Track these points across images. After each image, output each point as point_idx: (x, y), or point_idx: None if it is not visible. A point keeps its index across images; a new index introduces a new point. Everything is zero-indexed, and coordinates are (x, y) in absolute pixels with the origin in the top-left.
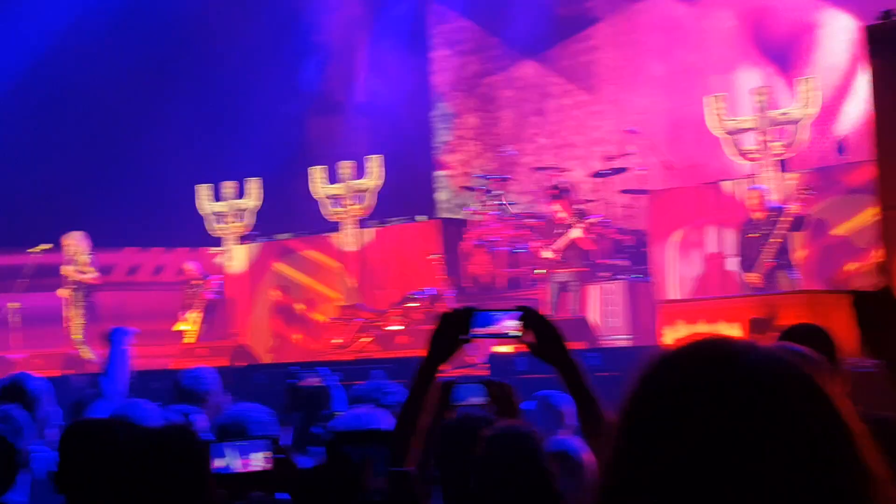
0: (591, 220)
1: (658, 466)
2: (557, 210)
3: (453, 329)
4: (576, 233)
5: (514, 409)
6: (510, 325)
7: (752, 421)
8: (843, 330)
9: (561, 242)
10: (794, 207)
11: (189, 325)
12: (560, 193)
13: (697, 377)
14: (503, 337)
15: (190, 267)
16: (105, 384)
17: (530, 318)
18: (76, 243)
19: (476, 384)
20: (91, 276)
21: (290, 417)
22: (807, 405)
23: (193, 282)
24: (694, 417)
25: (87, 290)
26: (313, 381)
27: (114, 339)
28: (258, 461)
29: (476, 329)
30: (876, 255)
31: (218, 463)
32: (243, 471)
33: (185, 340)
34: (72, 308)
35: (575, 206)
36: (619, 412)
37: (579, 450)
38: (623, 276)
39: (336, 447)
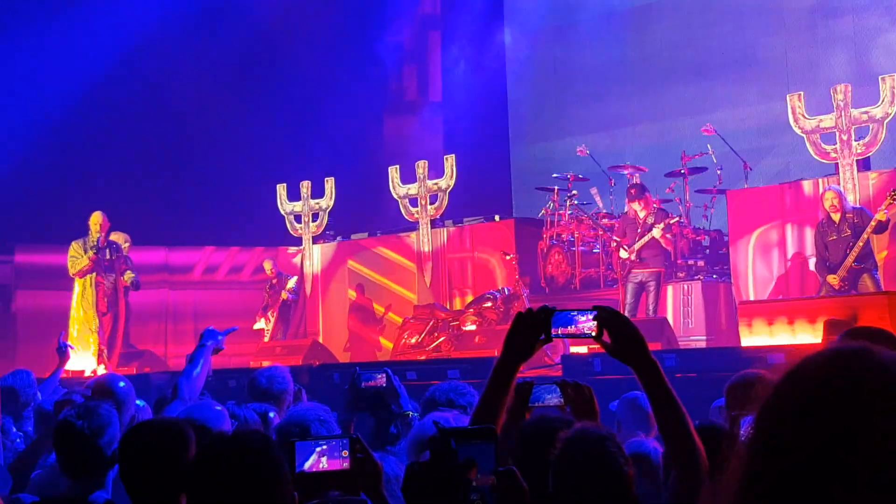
0: (671, 220)
1: (788, 473)
2: (637, 209)
3: (532, 329)
4: (656, 232)
5: (594, 410)
6: (587, 325)
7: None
8: None
9: (640, 242)
10: (880, 213)
11: (266, 323)
12: (639, 193)
13: (831, 390)
14: (581, 337)
15: (268, 266)
16: (183, 385)
17: (607, 317)
18: (121, 240)
19: (552, 385)
20: (129, 277)
21: (354, 416)
22: None
23: (271, 281)
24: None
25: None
26: (377, 380)
27: (203, 339)
28: (337, 460)
29: (554, 329)
30: None
31: (296, 462)
32: (321, 469)
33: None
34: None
35: (654, 206)
36: (755, 420)
37: (657, 452)
38: (700, 277)
39: (441, 443)
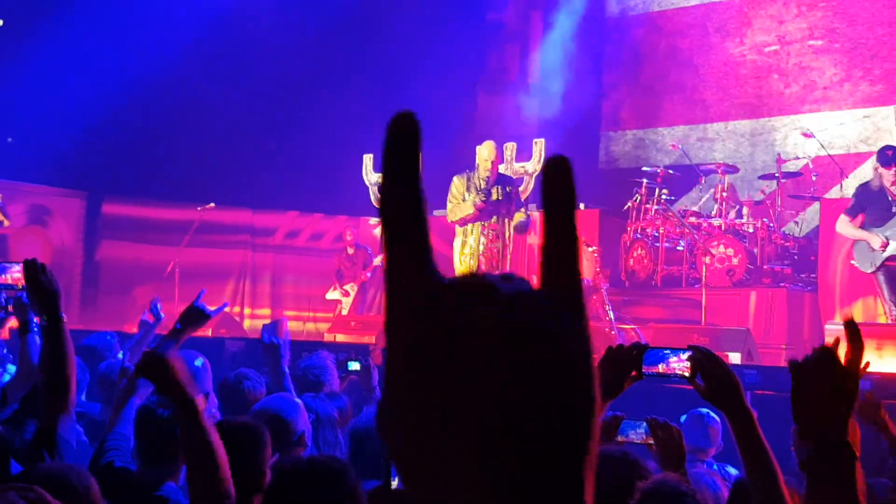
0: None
1: None
2: (890, 179)
3: (624, 364)
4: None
5: (681, 455)
6: (681, 365)
7: None
8: None
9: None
10: None
11: (342, 295)
12: None
13: None
14: (674, 377)
15: (348, 236)
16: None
17: (701, 360)
18: None
19: (641, 422)
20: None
21: None
22: None
23: (348, 250)
24: None
25: None
26: None
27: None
28: None
29: (646, 367)
30: None
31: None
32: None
33: (340, 311)
34: None
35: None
36: None
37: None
38: (785, 284)
39: None
